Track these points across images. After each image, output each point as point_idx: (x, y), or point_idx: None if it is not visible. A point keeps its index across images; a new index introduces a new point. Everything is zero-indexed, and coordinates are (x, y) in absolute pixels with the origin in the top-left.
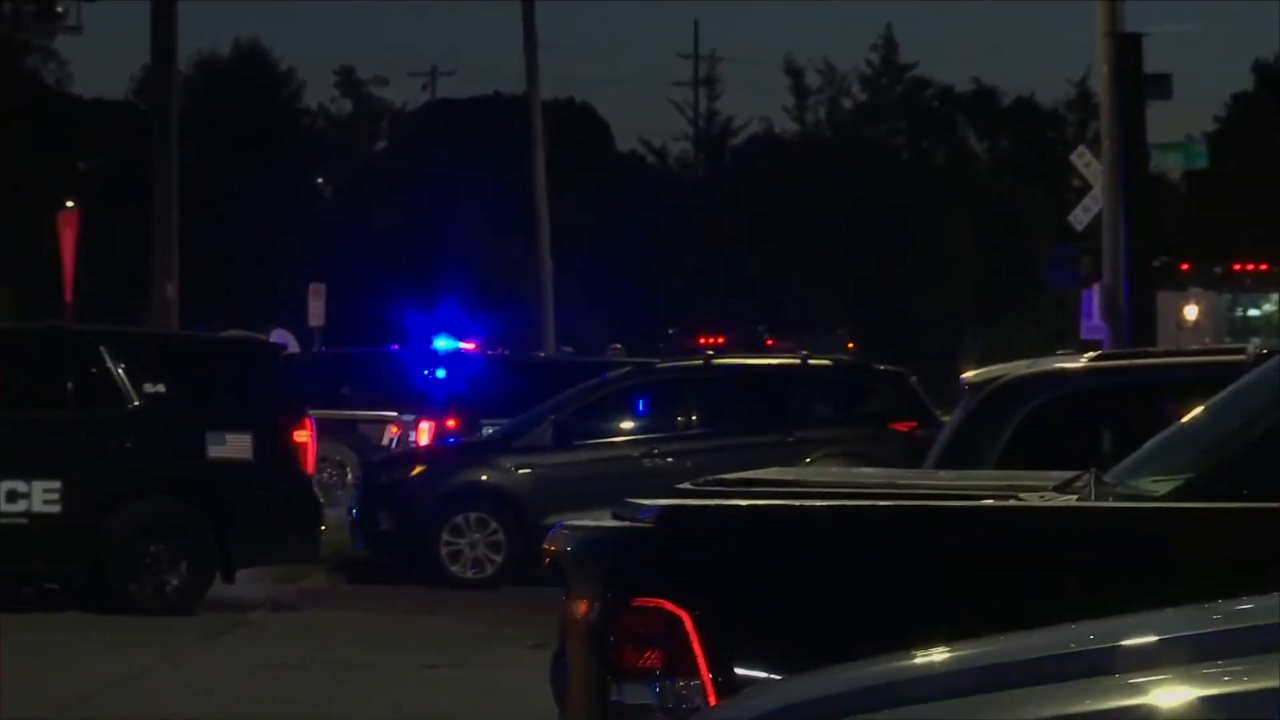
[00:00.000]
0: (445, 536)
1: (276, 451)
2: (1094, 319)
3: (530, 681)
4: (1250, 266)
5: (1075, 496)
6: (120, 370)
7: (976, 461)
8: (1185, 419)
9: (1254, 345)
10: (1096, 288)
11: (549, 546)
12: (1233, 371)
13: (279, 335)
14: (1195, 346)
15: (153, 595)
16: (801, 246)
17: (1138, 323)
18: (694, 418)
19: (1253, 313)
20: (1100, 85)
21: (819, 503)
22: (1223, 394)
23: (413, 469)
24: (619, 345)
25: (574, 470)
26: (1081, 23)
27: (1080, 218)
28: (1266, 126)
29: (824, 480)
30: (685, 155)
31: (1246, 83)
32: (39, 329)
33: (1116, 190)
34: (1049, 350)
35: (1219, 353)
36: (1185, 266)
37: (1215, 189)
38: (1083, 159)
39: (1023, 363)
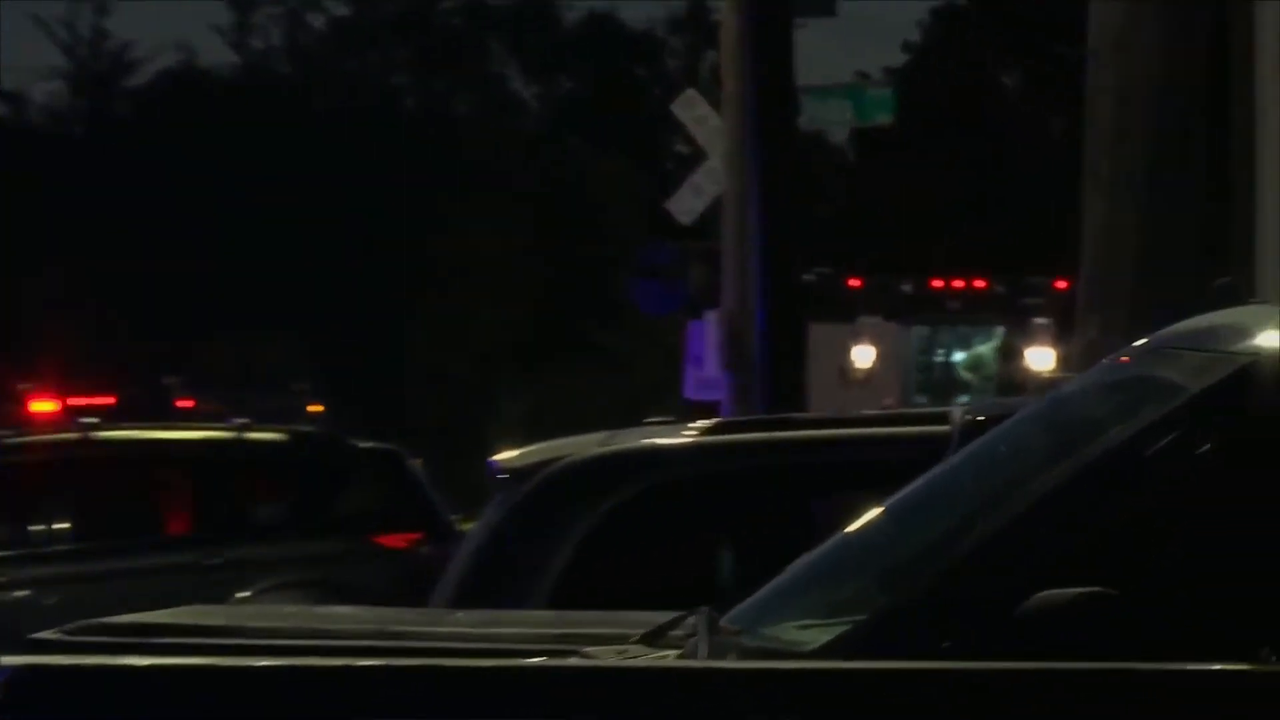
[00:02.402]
0: None
1: None
2: (707, 367)
3: None
4: (958, 283)
5: (675, 652)
6: None
7: (519, 592)
8: (851, 527)
9: (961, 410)
10: (711, 317)
11: None
12: (928, 449)
13: None
14: (870, 411)
15: None
16: (242, 243)
17: (778, 373)
18: (61, 525)
19: (960, 356)
20: None
21: (263, 661)
22: (912, 486)
23: None
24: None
25: None
26: None
27: (688, 204)
28: (976, 56)
29: (271, 626)
30: (56, 103)
31: None
32: None
33: (745, 160)
34: (635, 417)
35: (907, 421)
36: (855, 283)
37: (905, 160)
38: (692, 111)
39: (593, 437)
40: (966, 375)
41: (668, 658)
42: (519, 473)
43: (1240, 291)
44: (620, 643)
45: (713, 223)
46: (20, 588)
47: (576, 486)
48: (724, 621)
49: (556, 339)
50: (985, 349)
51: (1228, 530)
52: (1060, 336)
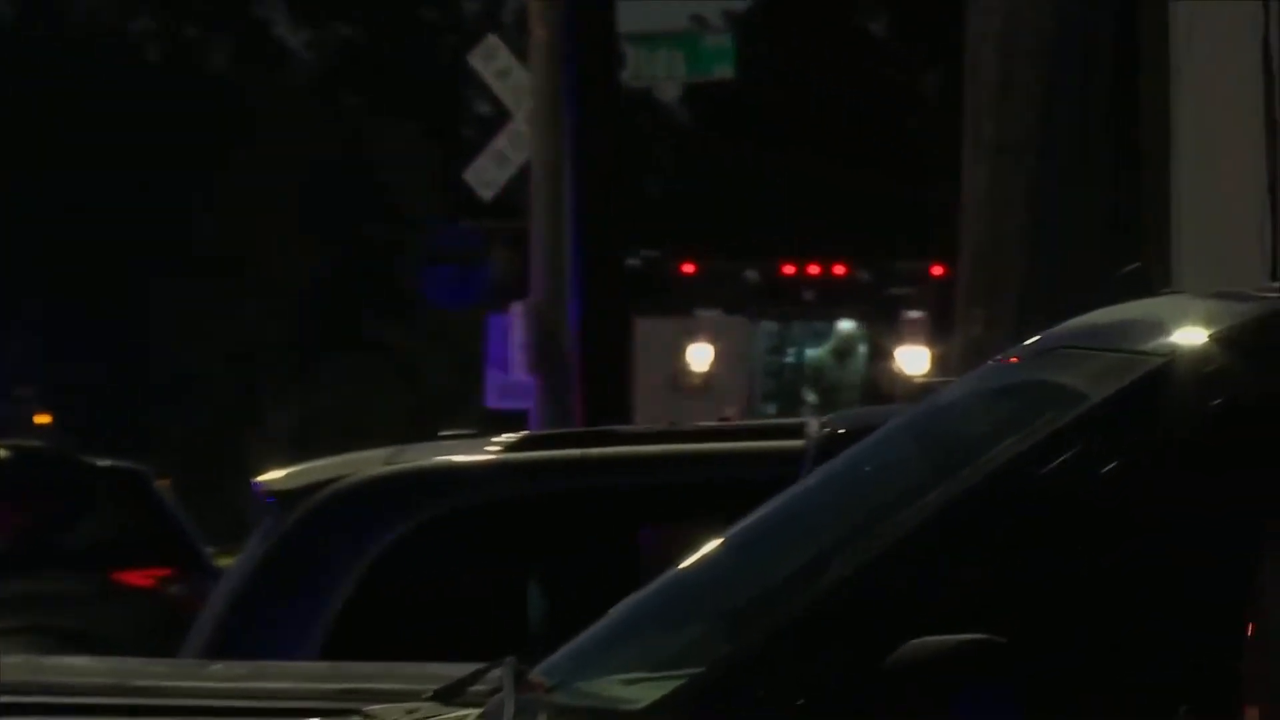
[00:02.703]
0: None
1: None
2: (511, 370)
3: None
4: (813, 269)
5: (475, 711)
6: None
7: (289, 638)
8: (686, 561)
9: (817, 422)
10: (517, 310)
11: None
12: (779, 468)
13: None
14: (709, 422)
15: None
16: None
17: (596, 377)
18: None
19: (814, 352)
20: None
21: None
22: (759, 513)
23: None
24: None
25: None
26: None
27: (489, 175)
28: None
29: None
30: None
31: None
32: None
33: (558, 122)
34: (427, 430)
35: (754, 434)
36: (690, 269)
37: (748, 123)
38: (494, 63)
39: (377, 454)
40: (808, 395)
41: (467, 718)
42: (288, 496)
43: (1151, 278)
44: (410, 700)
45: (519, 198)
46: None
47: (357, 513)
48: (533, 675)
49: (331, 336)
50: (823, 352)
51: (1136, 563)
52: (936, 333)
